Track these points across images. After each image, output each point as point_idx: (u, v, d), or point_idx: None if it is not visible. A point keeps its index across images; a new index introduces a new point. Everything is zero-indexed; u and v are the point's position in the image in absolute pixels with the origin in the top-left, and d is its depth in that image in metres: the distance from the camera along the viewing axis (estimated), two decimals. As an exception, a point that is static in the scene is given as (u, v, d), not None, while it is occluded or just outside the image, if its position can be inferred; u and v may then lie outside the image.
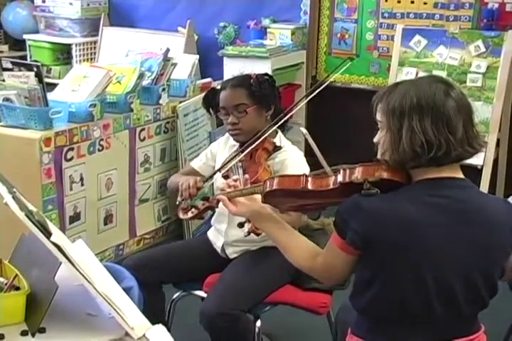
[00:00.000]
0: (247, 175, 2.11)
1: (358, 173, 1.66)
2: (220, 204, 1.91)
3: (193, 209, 1.91)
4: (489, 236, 1.65)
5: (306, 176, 1.74)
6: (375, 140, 1.73)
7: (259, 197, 1.82)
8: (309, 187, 1.72)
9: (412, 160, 1.62)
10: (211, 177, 2.39)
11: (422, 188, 1.64)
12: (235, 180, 1.87)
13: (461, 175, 1.69)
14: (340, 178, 1.68)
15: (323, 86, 2.42)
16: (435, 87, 1.64)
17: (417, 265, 1.61)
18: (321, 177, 1.74)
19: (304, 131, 1.91)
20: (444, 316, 1.65)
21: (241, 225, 2.04)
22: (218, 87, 2.61)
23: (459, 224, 1.62)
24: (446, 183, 1.65)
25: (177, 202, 2.30)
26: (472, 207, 1.65)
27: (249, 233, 2.03)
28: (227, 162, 2.37)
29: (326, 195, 1.72)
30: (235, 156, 2.37)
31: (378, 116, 1.70)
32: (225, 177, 2.38)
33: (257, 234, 2.02)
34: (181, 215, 1.93)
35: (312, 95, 2.45)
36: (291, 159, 2.45)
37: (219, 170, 2.39)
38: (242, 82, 2.50)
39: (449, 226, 1.61)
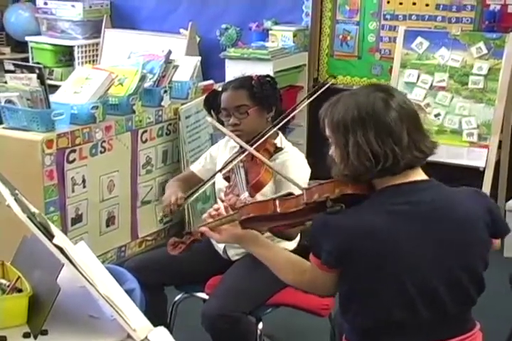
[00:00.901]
0: (246, 193, 2.13)
1: (318, 192, 1.67)
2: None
3: (180, 245, 1.97)
4: (463, 231, 1.65)
5: (274, 200, 1.77)
6: (330, 154, 1.73)
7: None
8: (278, 210, 1.74)
9: (365, 174, 1.63)
10: (193, 193, 2.42)
11: (384, 197, 1.65)
12: (216, 209, 1.89)
13: (422, 177, 1.68)
14: (304, 199, 1.70)
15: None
16: (374, 97, 1.63)
17: (394, 274, 1.62)
18: (288, 199, 1.76)
19: (210, 119, 1.89)
20: (431, 319, 1.64)
21: None
22: (219, 89, 2.61)
23: (429, 226, 1.62)
24: (407, 188, 1.65)
25: (159, 218, 2.37)
26: (439, 207, 1.64)
27: None
28: (228, 163, 2.37)
29: (297, 215, 1.74)
30: (235, 157, 2.38)
31: (327, 132, 1.70)
32: (226, 178, 2.38)
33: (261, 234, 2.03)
34: (170, 251, 1.99)
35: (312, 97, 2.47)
36: (292, 160, 2.45)
37: (219, 171, 2.40)
38: (244, 83, 2.51)
39: (418, 231, 1.61)
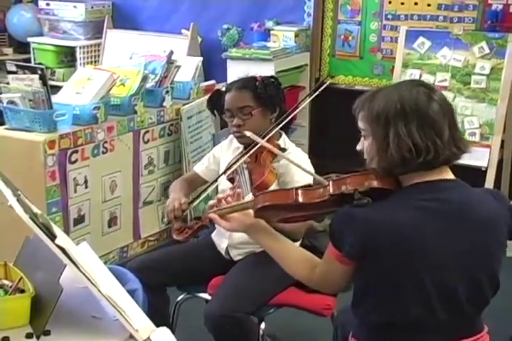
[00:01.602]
0: (251, 194, 2.12)
1: (347, 184, 1.66)
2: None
3: (186, 230, 1.93)
4: (486, 233, 1.65)
5: (297, 189, 1.74)
6: (358, 148, 1.73)
7: (251, 212, 1.82)
8: (300, 200, 1.72)
9: (401, 166, 1.62)
10: (197, 197, 2.40)
11: (412, 193, 1.64)
12: (227, 196, 1.87)
13: (450, 176, 1.68)
14: (330, 190, 1.68)
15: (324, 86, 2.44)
16: (417, 91, 1.64)
17: (415, 271, 1.61)
18: (311, 189, 1.74)
19: (249, 133, 1.94)
20: (446, 318, 1.64)
21: None
22: (223, 89, 2.61)
23: (454, 225, 1.62)
24: (436, 186, 1.65)
25: (163, 223, 2.35)
26: (465, 206, 1.64)
27: None
28: (232, 164, 2.37)
29: (318, 207, 1.72)
30: (239, 158, 2.37)
31: (361, 125, 1.70)
32: (230, 179, 2.38)
33: None
34: (176, 236, 1.96)
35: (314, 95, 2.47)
36: (295, 161, 2.44)
37: (224, 172, 2.39)
38: (248, 84, 2.50)
39: (444, 229, 1.61)
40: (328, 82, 2.51)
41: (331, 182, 1.69)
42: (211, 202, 1.92)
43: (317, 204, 1.70)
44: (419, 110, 1.61)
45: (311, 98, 2.50)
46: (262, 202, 1.76)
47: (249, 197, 2.19)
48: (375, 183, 1.64)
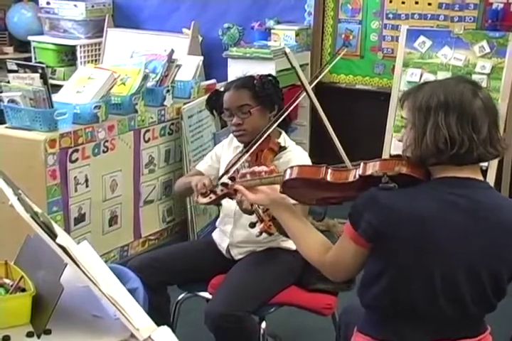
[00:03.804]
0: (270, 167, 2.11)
1: (377, 167, 1.67)
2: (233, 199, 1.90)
3: (211, 195, 1.93)
4: (502, 236, 1.64)
5: (327, 168, 1.75)
6: (399, 137, 1.75)
7: (277, 187, 1.83)
8: (328, 178, 1.73)
9: (434, 157, 1.63)
10: (221, 177, 2.38)
11: (441, 186, 1.65)
12: (261, 170, 1.87)
13: (480, 177, 1.69)
14: (359, 171, 1.69)
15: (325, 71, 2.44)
16: (463, 87, 1.66)
17: (425, 261, 1.62)
18: (341, 170, 1.75)
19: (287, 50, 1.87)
20: (450, 314, 1.65)
21: (253, 225, 2.05)
22: (221, 89, 2.61)
23: (473, 223, 1.62)
24: (466, 183, 1.65)
25: (194, 203, 2.32)
26: (487, 208, 1.64)
27: (261, 233, 2.03)
28: (233, 164, 2.37)
29: (344, 188, 1.73)
30: (240, 157, 2.37)
31: (404, 114, 1.72)
32: (232, 178, 2.37)
33: (270, 234, 2.02)
34: (199, 199, 1.96)
35: (317, 80, 2.46)
36: (296, 159, 2.45)
37: (226, 172, 2.39)
38: (246, 83, 2.51)
39: (463, 225, 1.61)
40: (344, 50, 2.48)
41: (361, 164, 1.70)
42: (243, 171, 1.93)
43: (343, 185, 1.71)
44: (462, 104, 1.63)
45: (329, 67, 2.46)
46: (291, 174, 1.77)
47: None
48: (404, 169, 1.66)
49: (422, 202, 1.62)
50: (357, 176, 1.69)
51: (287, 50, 2.02)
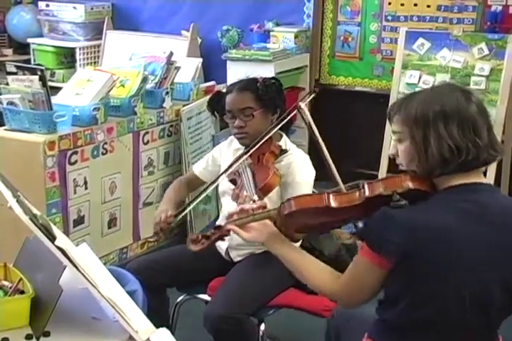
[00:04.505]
0: (255, 196, 2.11)
1: (384, 185, 1.63)
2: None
3: (203, 240, 1.85)
4: None
5: (328, 193, 1.70)
6: (391, 152, 1.71)
7: (269, 222, 1.80)
8: (333, 204, 1.68)
9: (442, 167, 1.61)
10: (183, 210, 2.43)
11: (451, 195, 1.62)
12: (249, 207, 1.82)
13: (484, 180, 1.68)
14: (367, 192, 1.65)
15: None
16: (455, 93, 1.64)
17: (455, 275, 1.58)
18: (343, 193, 1.70)
19: (302, 105, 1.85)
20: (474, 325, 1.62)
21: None
22: (224, 90, 2.61)
23: (493, 229, 1.60)
24: (473, 189, 1.63)
25: (152, 234, 2.40)
26: (502, 211, 1.63)
27: None
28: (231, 165, 2.37)
29: (350, 211, 1.68)
30: (239, 158, 2.37)
31: (396, 128, 1.68)
32: (232, 181, 2.38)
33: None
34: (192, 247, 1.87)
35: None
36: (297, 162, 2.45)
37: (224, 172, 2.39)
38: (249, 85, 2.50)
39: (483, 232, 1.59)
40: (315, 94, 2.47)
41: (366, 185, 1.66)
42: (231, 211, 1.88)
43: (350, 208, 1.67)
44: (459, 111, 1.61)
45: (291, 115, 2.44)
46: (290, 207, 1.71)
47: (254, 198, 2.17)
48: (413, 184, 1.63)
49: (439, 215, 1.58)
50: (363, 198, 1.65)
51: (302, 105, 1.94)
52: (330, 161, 1.95)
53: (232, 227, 1.82)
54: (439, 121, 1.60)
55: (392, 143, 1.72)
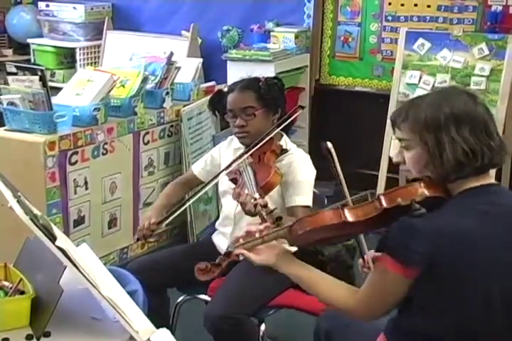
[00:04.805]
0: (257, 195, 2.10)
1: (401, 195, 1.61)
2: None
3: (213, 269, 1.79)
4: None
5: (342, 208, 1.67)
6: (397, 160, 1.69)
7: (276, 243, 1.75)
8: (349, 219, 1.65)
9: (457, 171, 1.59)
10: (167, 218, 2.45)
11: (468, 199, 1.61)
12: (256, 230, 1.76)
13: (493, 180, 1.67)
14: (384, 204, 1.62)
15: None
16: (462, 96, 1.62)
17: (483, 276, 1.57)
18: (358, 206, 1.67)
19: (329, 145, 1.81)
20: (499, 327, 1.61)
21: None
22: (225, 90, 2.61)
23: (504, 229, 1.59)
24: (487, 190, 1.63)
25: (133, 240, 2.43)
26: (510, 211, 1.62)
27: None
28: (231, 164, 2.37)
29: (365, 223, 1.65)
30: (240, 157, 2.37)
31: (404, 135, 1.65)
32: (233, 180, 2.38)
33: None
34: (202, 278, 1.79)
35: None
36: (298, 162, 2.45)
37: (224, 170, 2.39)
38: (251, 85, 2.50)
39: (502, 233, 1.59)
40: (298, 113, 2.47)
41: (381, 197, 1.63)
42: (237, 235, 1.83)
43: (367, 220, 1.64)
44: (470, 114, 1.59)
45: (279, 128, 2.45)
46: (303, 228, 1.67)
47: (255, 197, 2.16)
48: (429, 192, 1.61)
49: (460, 220, 1.57)
50: (381, 209, 1.62)
51: (329, 145, 1.89)
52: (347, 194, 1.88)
53: (241, 252, 1.75)
54: (451, 125, 1.58)
55: (397, 151, 1.69)
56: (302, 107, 2.50)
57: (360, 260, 1.93)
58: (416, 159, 1.64)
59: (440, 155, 1.59)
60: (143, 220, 2.48)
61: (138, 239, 2.51)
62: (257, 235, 1.75)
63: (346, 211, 1.66)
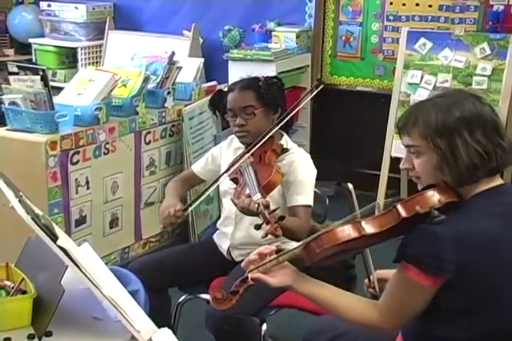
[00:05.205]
0: (259, 194, 2.10)
1: (419, 203, 1.59)
2: None
3: (230, 297, 1.72)
4: None
5: (359, 222, 1.64)
6: (405, 167, 1.67)
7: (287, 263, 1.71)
8: (368, 231, 1.63)
9: (472, 174, 1.59)
10: (192, 203, 2.42)
11: (483, 200, 1.61)
12: (269, 251, 1.71)
13: (501, 181, 1.67)
14: (403, 213, 1.60)
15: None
16: (470, 99, 1.62)
17: (507, 281, 1.56)
18: (376, 218, 1.65)
19: (350, 186, 1.79)
20: None
21: (258, 227, 2.04)
22: (225, 89, 2.61)
23: None
24: (498, 191, 1.63)
25: (160, 229, 2.37)
26: None
27: (266, 235, 2.02)
28: (233, 164, 2.37)
29: (383, 234, 1.63)
30: (241, 157, 2.37)
31: (414, 142, 1.63)
32: (234, 180, 2.38)
33: (276, 236, 2.01)
34: (221, 307, 1.73)
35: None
36: (299, 161, 2.45)
37: (225, 172, 2.39)
38: (251, 84, 2.50)
39: None
40: (322, 85, 2.50)
41: (399, 206, 1.61)
42: (250, 258, 1.76)
43: (385, 231, 1.62)
44: (480, 116, 1.59)
45: (307, 100, 2.47)
46: (321, 246, 1.64)
47: (257, 196, 2.14)
48: (446, 197, 1.59)
49: (481, 223, 1.56)
50: (400, 219, 1.60)
51: (350, 186, 1.87)
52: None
53: (258, 276, 1.69)
54: (463, 128, 1.57)
55: (405, 157, 1.68)
56: (322, 82, 2.49)
57: (366, 280, 1.90)
58: (428, 165, 1.62)
59: (455, 159, 1.58)
60: (163, 209, 2.43)
61: (164, 228, 2.47)
62: (273, 256, 1.71)
63: (363, 223, 1.64)
